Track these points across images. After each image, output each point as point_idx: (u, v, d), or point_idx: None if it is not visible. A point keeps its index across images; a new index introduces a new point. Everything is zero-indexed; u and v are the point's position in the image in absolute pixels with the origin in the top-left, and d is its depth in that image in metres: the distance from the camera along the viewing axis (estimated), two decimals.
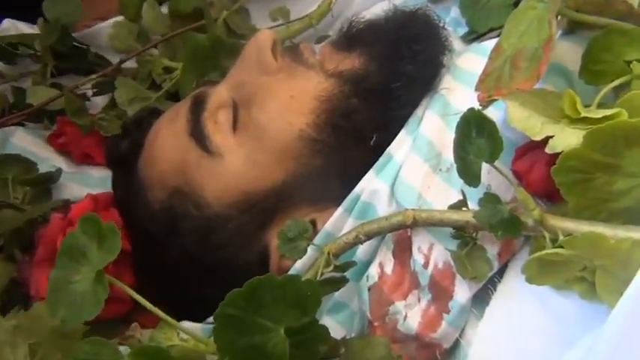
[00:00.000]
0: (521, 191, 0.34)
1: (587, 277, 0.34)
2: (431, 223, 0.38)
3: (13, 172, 0.57)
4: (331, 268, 0.38)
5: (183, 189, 0.44)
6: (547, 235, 0.34)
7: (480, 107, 0.40)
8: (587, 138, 0.32)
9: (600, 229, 0.33)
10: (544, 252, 0.33)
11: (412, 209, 0.39)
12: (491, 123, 0.34)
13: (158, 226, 0.46)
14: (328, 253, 0.38)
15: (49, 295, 0.35)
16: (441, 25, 0.48)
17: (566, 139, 0.33)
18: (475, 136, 0.36)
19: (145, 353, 0.33)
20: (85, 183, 0.60)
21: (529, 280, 0.34)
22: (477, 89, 0.39)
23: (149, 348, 0.34)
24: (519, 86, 0.36)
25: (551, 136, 0.34)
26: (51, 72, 0.63)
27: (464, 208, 0.38)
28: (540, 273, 0.34)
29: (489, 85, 0.38)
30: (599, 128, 0.31)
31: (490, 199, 0.36)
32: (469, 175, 0.37)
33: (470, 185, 0.37)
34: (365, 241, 0.39)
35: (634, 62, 0.37)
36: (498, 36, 0.42)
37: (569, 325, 0.36)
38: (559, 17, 0.42)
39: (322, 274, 0.38)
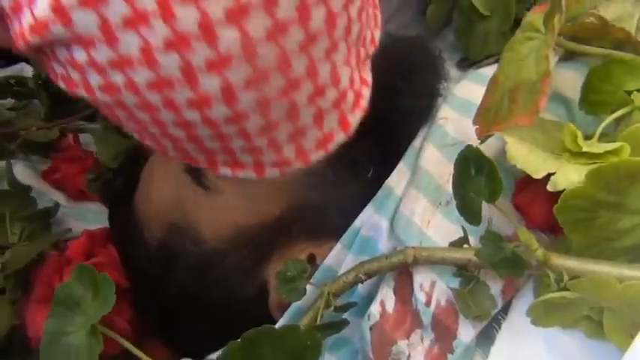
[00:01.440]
0: (524, 231, 0.33)
1: (593, 316, 0.34)
2: (432, 262, 0.37)
3: (10, 207, 0.57)
4: (331, 309, 0.37)
5: (180, 225, 0.44)
6: (552, 275, 0.33)
7: (479, 141, 0.39)
8: (589, 177, 0.31)
9: (606, 268, 0.32)
10: (549, 296, 0.32)
11: (413, 247, 0.38)
12: (490, 162, 0.34)
13: (155, 262, 0.45)
14: (328, 294, 0.38)
15: (44, 347, 0.35)
16: (437, 53, 0.47)
17: (568, 176, 0.32)
18: (474, 175, 0.35)
19: None
20: (83, 218, 0.59)
21: (535, 323, 0.34)
22: (474, 123, 0.39)
23: None
24: (518, 121, 0.35)
25: (553, 173, 0.33)
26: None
27: (465, 246, 0.37)
28: (546, 315, 0.33)
29: (488, 120, 0.37)
30: (603, 167, 0.30)
31: (492, 238, 0.35)
32: (469, 213, 0.36)
33: (471, 223, 0.36)
34: (365, 280, 0.39)
35: (634, 92, 0.36)
36: (495, 62, 0.41)
37: None
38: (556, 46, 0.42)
39: (322, 315, 0.38)
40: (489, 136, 0.38)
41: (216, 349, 0.45)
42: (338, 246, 0.42)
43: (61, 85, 0.29)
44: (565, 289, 0.32)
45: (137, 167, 0.48)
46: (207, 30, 0.24)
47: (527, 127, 0.36)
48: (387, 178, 0.42)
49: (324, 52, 0.28)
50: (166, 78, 0.26)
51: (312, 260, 0.42)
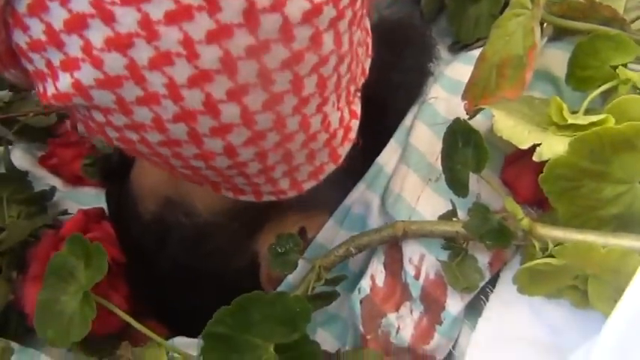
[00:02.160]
0: (510, 201, 0.34)
1: (579, 285, 0.34)
2: (421, 235, 0.38)
3: (7, 190, 0.57)
4: (322, 281, 0.38)
5: (174, 199, 0.44)
6: (537, 244, 0.33)
7: (467, 116, 0.40)
8: (573, 145, 0.31)
9: (590, 237, 0.32)
10: (534, 262, 0.32)
11: (402, 221, 0.38)
12: (477, 133, 0.34)
13: (150, 236, 0.46)
14: (319, 267, 0.38)
15: (37, 315, 0.35)
16: (428, 32, 0.48)
17: (553, 146, 0.33)
18: (462, 147, 0.35)
19: None
20: (79, 201, 0.60)
21: (520, 291, 0.34)
22: (463, 98, 0.39)
23: None
24: (505, 95, 0.36)
25: (539, 144, 0.34)
26: None
27: (454, 219, 0.38)
28: (531, 283, 0.34)
29: (476, 94, 0.38)
30: (585, 135, 0.31)
31: (479, 209, 0.36)
32: (457, 185, 0.36)
33: (458, 195, 0.37)
34: (356, 254, 0.39)
35: (620, 67, 0.37)
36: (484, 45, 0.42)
37: (562, 334, 0.36)
38: (545, 24, 0.42)
39: (313, 288, 0.38)
40: (478, 112, 0.39)
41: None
42: (330, 222, 0.43)
43: (80, 127, 0.31)
44: (550, 256, 0.32)
45: None
46: (210, 107, 0.27)
47: (515, 102, 0.37)
48: (375, 151, 0.43)
49: (316, 108, 0.31)
50: (175, 139, 0.29)
51: (303, 233, 0.43)
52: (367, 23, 0.34)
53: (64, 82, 0.27)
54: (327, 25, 0.28)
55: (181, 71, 0.26)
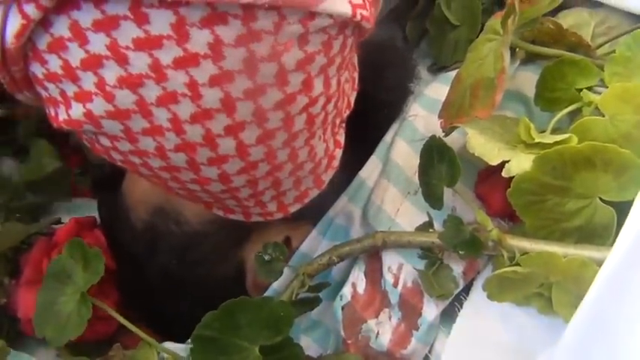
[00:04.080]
0: (480, 213, 0.36)
1: (544, 292, 0.36)
2: (399, 245, 0.40)
3: (2, 198, 0.59)
4: (306, 288, 0.40)
5: (165, 208, 0.46)
6: (505, 254, 0.36)
7: (443, 134, 0.42)
8: (536, 162, 0.34)
9: (554, 247, 0.35)
10: (502, 270, 0.35)
11: (382, 232, 0.41)
12: (451, 150, 0.37)
13: (140, 244, 0.48)
14: (303, 274, 0.40)
15: (36, 315, 0.37)
16: (409, 54, 0.50)
17: (521, 163, 0.36)
18: (437, 162, 0.38)
19: None
20: (73, 212, 0.61)
21: (490, 297, 0.36)
22: (439, 117, 0.42)
23: None
24: (478, 114, 0.38)
25: (508, 161, 0.36)
26: None
27: (430, 230, 0.40)
28: (500, 290, 0.36)
29: (451, 113, 0.40)
30: (547, 153, 0.33)
31: (453, 221, 0.38)
32: (433, 198, 0.39)
33: (434, 208, 0.39)
34: (338, 262, 0.41)
35: (584, 90, 0.39)
36: None
37: (529, 338, 0.38)
38: (517, 49, 0.45)
39: (297, 294, 0.40)
40: (453, 130, 0.42)
41: None
42: (313, 233, 0.45)
43: (87, 144, 0.34)
44: (517, 264, 0.35)
45: None
46: (209, 140, 0.30)
47: (487, 121, 0.40)
48: (357, 165, 0.45)
49: (304, 142, 0.33)
50: (175, 166, 0.32)
51: (287, 243, 0.45)
52: (355, 60, 0.36)
53: (77, 110, 0.30)
54: (317, 71, 0.30)
55: (185, 109, 0.29)
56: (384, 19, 0.55)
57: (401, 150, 0.45)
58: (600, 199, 0.35)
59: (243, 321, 0.34)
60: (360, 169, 0.46)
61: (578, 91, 0.40)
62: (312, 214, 0.45)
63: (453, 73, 0.51)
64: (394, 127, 0.48)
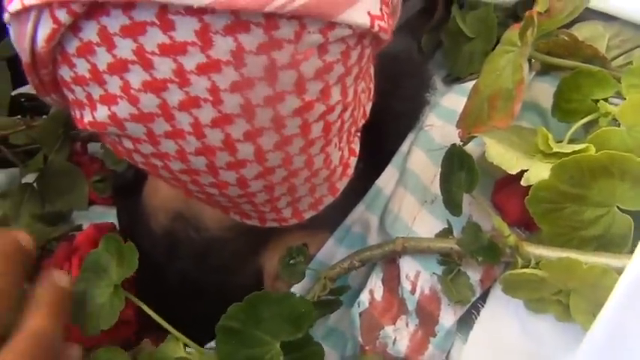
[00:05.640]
0: (497, 219, 0.37)
1: (562, 299, 0.37)
2: (418, 250, 0.41)
3: (25, 206, 0.60)
4: (327, 291, 0.41)
5: (185, 214, 0.47)
6: (520, 261, 0.36)
7: (461, 143, 0.43)
8: (554, 170, 0.34)
9: (572, 255, 0.35)
10: (522, 270, 0.35)
11: (402, 237, 0.41)
12: (470, 158, 0.37)
13: (160, 249, 0.48)
14: (325, 278, 0.41)
15: (73, 305, 0.37)
16: (425, 65, 0.51)
17: (539, 172, 0.36)
18: (457, 170, 0.39)
19: None
20: (91, 218, 0.62)
21: (505, 291, 0.37)
22: (457, 127, 0.43)
23: (158, 358, 0.36)
24: (496, 124, 0.39)
25: (526, 170, 0.37)
26: None
27: (449, 236, 0.41)
28: (516, 287, 0.37)
29: (469, 123, 0.41)
30: (565, 161, 0.34)
31: (472, 228, 0.39)
32: (452, 205, 0.39)
33: (453, 214, 0.39)
34: (359, 267, 0.42)
35: (601, 101, 0.40)
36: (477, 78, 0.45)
37: (547, 345, 0.38)
38: (533, 60, 0.46)
39: (319, 297, 0.41)
40: (471, 139, 0.42)
41: (213, 338, 0.48)
42: (330, 241, 0.46)
43: (111, 148, 0.35)
44: (536, 268, 0.35)
45: None
46: (229, 145, 0.31)
47: (505, 131, 0.40)
48: (374, 174, 0.46)
49: (320, 149, 0.34)
50: (195, 169, 0.32)
51: (305, 249, 0.46)
52: (371, 70, 0.37)
53: (102, 113, 0.30)
54: (335, 80, 0.31)
55: (206, 114, 0.29)
56: (400, 31, 0.56)
57: (418, 159, 0.46)
58: (618, 207, 0.35)
59: (266, 314, 0.34)
60: (377, 178, 0.47)
61: (594, 102, 0.41)
62: (330, 222, 0.46)
63: (468, 85, 0.52)
64: (411, 136, 0.48)
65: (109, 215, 0.61)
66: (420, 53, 0.60)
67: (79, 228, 0.57)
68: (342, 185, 0.39)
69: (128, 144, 0.32)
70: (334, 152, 0.36)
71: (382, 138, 0.48)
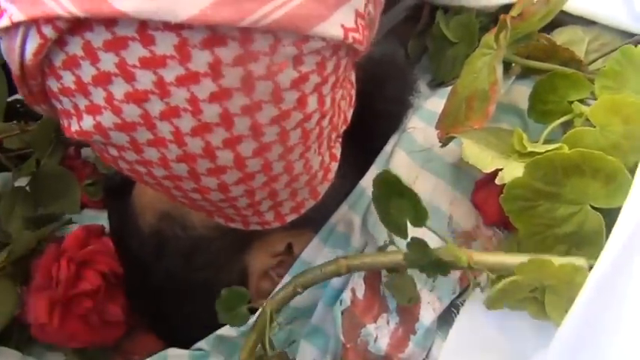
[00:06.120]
0: (451, 247, 0.37)
1: (538, 297, 0.37)
2: (364, 269, 0.41)
3: (16, 209, 0.61)
4: (275, 326, 0.40)
5: (172, 213, 0.48)
6: (473, 281, 0.37)
7: (441, 144, 0.44)
8: (528, 168, 0.35)
9: (520, 258, 0.35)
10: (502, 283, 0.35)
11: (344, 257, 0.40)
12: (411, 191, 0.37)
13: (148, 248, 0.49)
14: (271, 312, 0.40)
15: None
16: (409, 68, 0.52)
17: (513, 171, 0.37)
18: (394, 197, 0.38)
19: None
20: (82, 221, 0.63)
21: (490, 308, 0.37)
22: (436, 128, 0.43)
23: None
24: (473, 124, 0.40)
25: (501, 169, 0.38)
26: None
27: (394, 249, 0.40)
28: (499, 299, 0.37)
29: (447, 124, 0.42)
30: (539, 159, 0.35)
31: (417, 244, 0.38)
32: (393, 227, 0.39)
33: (399, 237, 0.39)
34: (302, 292, 0.41)
35: (575, 102, 0.41)
36: None
37: (524, 342, 0.39)
38: (513, 65, 0.47)
39: (268, 332, 0.40)
40: (450, 140, 0.43)
41: (202, 338, 0.49)
42: (315, 240, 0.47)
43: (98, 155, 0.36)
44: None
45: None
46: (209, 152, 0.32)
47: (483, 131, 0.41)
48: (358, 174, 0.47)
49: (299, 155, 0.35)
50: (177, 175, 0.34)
51: (290, 250, 0.46)
52: (352, 77, 0.38)
53: (87, 122, 0.32)
54: (312, 89, 0.32)
55: (186, 123, 0.30)
56: (386, 37, 0.57)
57: (400, 160, 0.47)
58: (590, 205, 0.36)
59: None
60: (361, 178, 0.48)
61: (569, 103, 0.41)
62: (314, 221, 0.47)
63: (450, 88, 0.53)
64: (394, 138, 0.49)
65: (100, 218, 0.62)
66: (407, 59, 0.61)
67: (70, 221, 0.57)
68: (323, 189, 0.40)
69: (113, 152, 0.33)
70: (314, 158, 0.37)
71: (366, 139, 0.48)
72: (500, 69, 0.38)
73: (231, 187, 0.34)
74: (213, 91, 0.29)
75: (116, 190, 0.53)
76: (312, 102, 0.33)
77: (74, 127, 0.33)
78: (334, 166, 0.40)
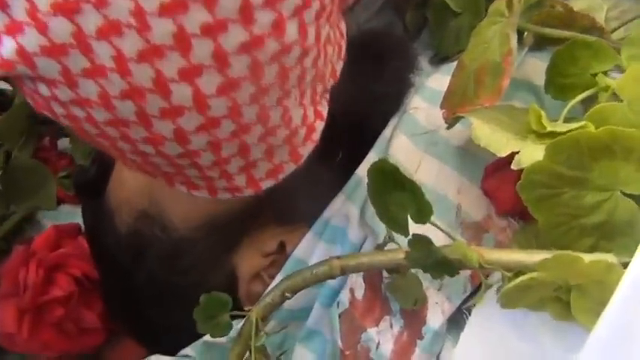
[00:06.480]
0: (460, 245, 0.32)
1: (562, 296, 0.33)
2: (361, 270, 0.36)
3: None
4: (262, 335, 0.35)
5: (150, 212, 0.43)
6: (484, 282, 0.33)
7: (447, 125, 0.39)
8: (549, 151, 0.31)
9: (542, 255, 0.31)
10: (519, 280, 0.31)
11: (338, 258, 0.36)
12: (413, 183, 0.32)
13: (125, 250, 0.45)
14: (256, 320, 0.35)
15: None
16: (409, 43, 0.48)
17: (532, 154, 0.32)
18: (392, 189, 0.33)
19: None
20: (57, 219, 0.59)
21: (504, 307, 0.33)
22: (442, 107, 0.39)
23: None
24: (483, 102, 0.35)
25: (517, 152, 0.33)
26: None
27: (394, 246, 0.35)
28: (514, 298, 0.33)
29: (454, 103, 0.37)
30: (562, 139, 0.30)
31: (420, 241, 0.33)
32: (395, 225, 0.34)
33: (399, 234, 0.34)
34: (291, 297, 0.36)
35: (600, 74, 0.36)
36: None
37: (544, 345, 0.35)
38: (525, 34, 0.42)
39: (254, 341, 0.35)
40: (457, 120, 0.39)
41: (188, 344, 0.45)
42: (309, 235, 0.42)
43: (30, 102, 0.30)
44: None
45: (111, 157, 0.48)
46: (160, 85, 0.26)
47: (494, 110, 0.37)
48: (353, 162, 0.42)
49: (276, 100, 0.30)
50: (122, 119, 0.28)
51: (282, 248, 0.42)
52: (342, 26, 0.33)
53: (8, 47, 0.26)
54: (291, 13, 0.27)
55: (131, 44, 0.25)
56: (382, 9, 0.52)
57: (401, 144, 0.42)
58: (621, 191, 0.31)
59: None
60: (357, 166, 0.43)
61: (592, 76, 0.37)
62: (307, 215, 0.42)
63: (455, 64, 0.48)
64: (393, 121, 0.44)
65: (78, 215, 0.57)
66: (405, 32, 0.56)
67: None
68: (305, 151, 0.35)
69: (44, 90, 0.28)
70: (295, 108, 0.31)
71: (363, 123, 0.44)
72: (514, 37, 0.34)
73: (190, 136, 0.29)
74: (164, 1, 0.24)
75: (88, 186, 0.48)
76: (292, 30, 0.27)
77: None
78: (320, 125, 0.35)
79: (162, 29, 0.25)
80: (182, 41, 0.25)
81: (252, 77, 0.27)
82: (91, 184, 0.49)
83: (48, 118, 0.30)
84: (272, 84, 0.28)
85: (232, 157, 0.31)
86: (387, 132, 0.44)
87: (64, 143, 0.65)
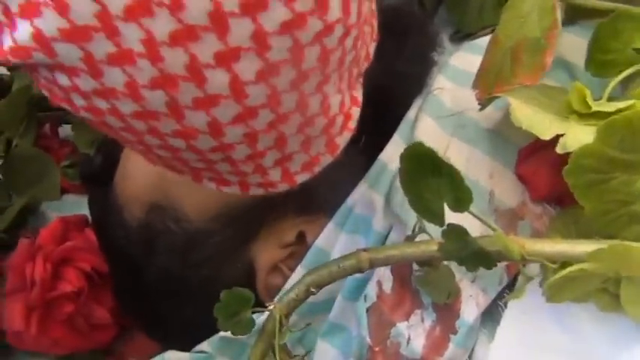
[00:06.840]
0: (500, 236, 0.30)
1: (609, 288, 0.31)
2: (391, 263, 0.34)
3: None
4: (285, 333, 0.33)
5: (161, 204, 0.41)
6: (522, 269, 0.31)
7: (479, 106, 0.37)
8: (601, 132, 0.28)
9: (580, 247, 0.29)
10: (567, 270, 0.29)
11: (366, 250, 0.33)
12: (452, 168, 0.29)
13: (136, 244, 0.43)
14: (280, 316, 0.33)
15: None
16: (429, 20, 0.45)
17: (579, 136, 0.30)
18: (430, 175, 0.30)
19: None
20: (61, 210, 0.56)
21: (550, 300, 0.31)
22: (474, 87, 0.36)
23: None
24: (522, 81, 0.33)
25: (561, 135, 0.31)
26: None
27: (425, 237, 0.33)
28: (560, 291, 0.30)
29: (488, 82, 0.35)
30: (615, 120, 0.28)
31: (455, 232, 0.31)
32: (429, 215, 0.32)
33: (434, 224, 0.32)
34: (317, 292, 0.34)
35: None
36: (491, 32, 0.39)
37: (589, 340, 0.33)
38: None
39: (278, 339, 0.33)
40: (491, 101, 0.36)
41: (203, 339, 0.43)
42: (330, 225, 0.40)
43: (45, 93, 0.28)
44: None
45: (117, 146, 0.46)
46: (195, 72, 0.24)
47: (530, 90, 0.34)
48: (376, 147, 0.40)
49: (316, 86, 0.28)
50: (152, 110, 0.26)
51: (302, 238, 0.40)
52: (374, 4, 0.30)
53: (24, 32, 0.24)
54: None
55: (163, 25, 0.23)
56: None
57: (426, 127, 0.40)
58: None
59: None
60: (380, 151, 0.41)
61: (636, 51, 0.34)
62: (328, 204, 0.40)
63: (481, 41, 0.45)
64: (417, 102, 0.42)
65: (83, 205, 0.55)
66: (421, 9, 0.54)
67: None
68: (342, 141, 0.33)
69: (64, 80, 0.25)
70: (333, 95, 0.29)
71: (386, 104, 0.41)
72: (559, 10, 0.31)
73: (225, 128, 0.27)
74: None
75: (94, 177, 0.46)
76: (335, 6, 0.25)
77: (7, 44, 0.25)
78: (356, 112, 0.33)
79: (197, 8, 0.23)
80: (219, 21, 0.23)
81: (293, 61, 0.25)
82: (98, 173, 0.47)
83: (48, 104, 0.28)
84: (313, 68, 0.26)
85: (268, 150, 0.29)
86: (411, 114, 0.41)
87: (65, 131, 0.63)
